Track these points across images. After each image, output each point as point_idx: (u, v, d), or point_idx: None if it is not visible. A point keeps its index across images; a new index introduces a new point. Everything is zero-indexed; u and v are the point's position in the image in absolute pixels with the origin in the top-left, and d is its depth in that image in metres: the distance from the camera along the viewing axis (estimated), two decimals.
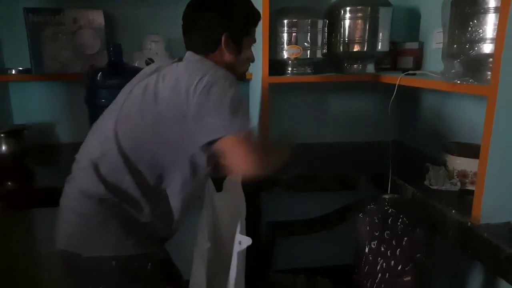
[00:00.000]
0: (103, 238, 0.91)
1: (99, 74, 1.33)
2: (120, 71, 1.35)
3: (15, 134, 1.44)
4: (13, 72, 1.57)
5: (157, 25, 1.69)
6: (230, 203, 1.21)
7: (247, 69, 1.14)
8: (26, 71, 1.58)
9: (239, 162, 0.89)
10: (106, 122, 0.97)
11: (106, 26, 1.57)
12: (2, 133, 1.42)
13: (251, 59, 1.13)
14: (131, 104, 0.96)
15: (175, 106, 0.90)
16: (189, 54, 1.04)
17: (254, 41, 1.11)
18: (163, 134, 0.92)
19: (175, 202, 0.99)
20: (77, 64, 1.56)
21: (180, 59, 1.05)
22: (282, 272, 1.48)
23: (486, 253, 0.90)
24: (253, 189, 1.36)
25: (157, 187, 0.96)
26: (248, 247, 1.27)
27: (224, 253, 1.15)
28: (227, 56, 1.04)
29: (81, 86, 1.47)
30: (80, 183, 0.94)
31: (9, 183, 1.36)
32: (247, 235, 1.29)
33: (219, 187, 1.24)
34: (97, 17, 1.55)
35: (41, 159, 1.61)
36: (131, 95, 0.97)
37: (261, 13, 1.38)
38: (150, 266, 0.95)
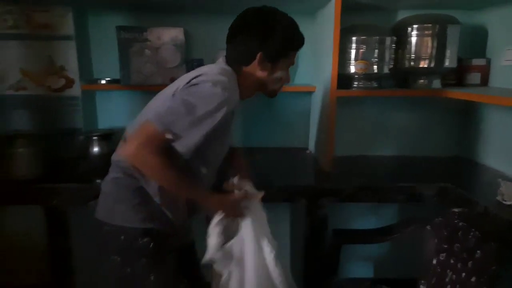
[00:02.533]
0: (121, 210, 1.04)
1: None
2: None
3: (106, 137, 1.61)
4: (103, 82, 1.77)
5: None
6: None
7: (280, 89, 1.16)
8: (114, 82, 1.76)
9: (132, 146, 0.93)
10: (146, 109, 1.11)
11: (185, 43, 1.72)
12: (95, 136, 1.60)
13: (285, 80, 1.14)
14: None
15: (170, 89, 1.03)
16: (219, 60, 1.12)
17: (292, 63, 1.14)
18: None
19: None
20: (159, 77, 1.72)
21: None
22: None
23: None
24: (316, 196, 1.44)
25: None
26: (314, 253, 1.33)
27: None
28: (260, 73, 1.09)
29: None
30: (116, 156, 1.09)
31: (98, 180, 1.51)
32: (313, 240, 1.36)
33: None
34: (179, 34, 1.70)
35: None
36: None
37: (332, 30, 1.48)
38: (160, 243, 1.04)
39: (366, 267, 1.95)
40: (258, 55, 1.05)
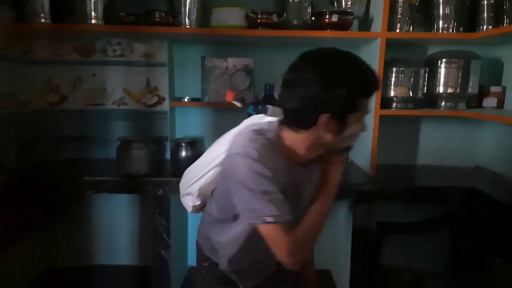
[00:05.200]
0: (202, 230, 1.22)
1: (260, 105, 1.86)
2: (272, 103, 1.88)
3: (191, 144, 2.02)
4: (186, 100, 2.18)
5: (286, 68, 2.21)
6: None
7: (354, 141, 0.98)
8: (194, 100, 2.18)
9: (276, 252, 0.91)
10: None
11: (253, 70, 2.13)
12: (184, 142, 2.01)
13: (361, 131, 0.94)
14: None
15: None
16: (268, 124, 1.00)
17: (367, 112, 0.92)
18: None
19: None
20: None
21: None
22: None
23: None
24: (365, 196, 1.79)
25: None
26: (361, 242, 1.66)
27: None
28: (325, 136, 0.90)
29: (228, 111, 2.14)
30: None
31: None
32: (360, 231, 1.70)
33: None
34: (249, 63, 2.11)
35: None
36: None
37: (377, 62, 1.86)
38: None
39: (405, 257, 2.26)
40: (323, 118, 0.87)
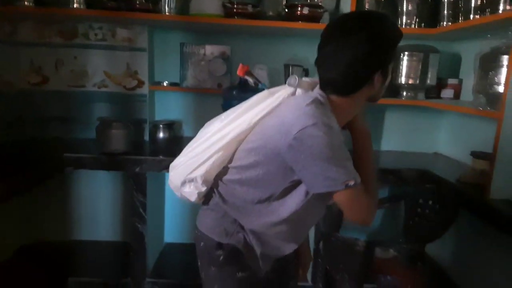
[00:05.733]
0: (207, 220, 1.12)
1: (235, 90, 1.98)
2: (247, 89, 2.01)
3: (169, 126, 2.13)
4: (165, 84, 2.28)
5: (262, 56, 2.34)
6: None
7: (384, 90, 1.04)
8: (173, 84, 2.28)
9: (357, 215, 0.93)
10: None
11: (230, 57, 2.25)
12: (161, 124, 2.12)
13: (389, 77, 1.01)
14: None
15: (274, 145, 0.94)
16: (308, 94, 0.98)
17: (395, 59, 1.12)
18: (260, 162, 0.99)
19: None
20: (209, 83, 2.24)
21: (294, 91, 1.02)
22: None
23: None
24: None
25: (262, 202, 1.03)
26: (325, 218, 1.83)
27: None
28: (373, 91, 0.97)
29: (205, 96, 2.22)
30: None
31: (160, 156, 2.00)
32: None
33: None
34: (226, 50, 2.23)
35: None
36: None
37: None
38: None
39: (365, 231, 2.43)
40: (375, 75, 0.94)
